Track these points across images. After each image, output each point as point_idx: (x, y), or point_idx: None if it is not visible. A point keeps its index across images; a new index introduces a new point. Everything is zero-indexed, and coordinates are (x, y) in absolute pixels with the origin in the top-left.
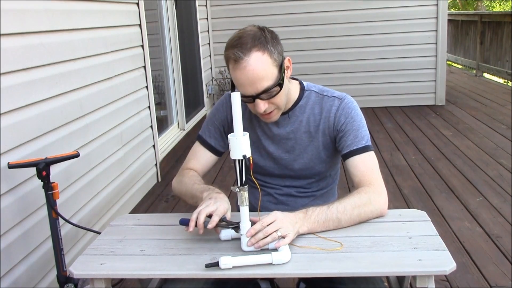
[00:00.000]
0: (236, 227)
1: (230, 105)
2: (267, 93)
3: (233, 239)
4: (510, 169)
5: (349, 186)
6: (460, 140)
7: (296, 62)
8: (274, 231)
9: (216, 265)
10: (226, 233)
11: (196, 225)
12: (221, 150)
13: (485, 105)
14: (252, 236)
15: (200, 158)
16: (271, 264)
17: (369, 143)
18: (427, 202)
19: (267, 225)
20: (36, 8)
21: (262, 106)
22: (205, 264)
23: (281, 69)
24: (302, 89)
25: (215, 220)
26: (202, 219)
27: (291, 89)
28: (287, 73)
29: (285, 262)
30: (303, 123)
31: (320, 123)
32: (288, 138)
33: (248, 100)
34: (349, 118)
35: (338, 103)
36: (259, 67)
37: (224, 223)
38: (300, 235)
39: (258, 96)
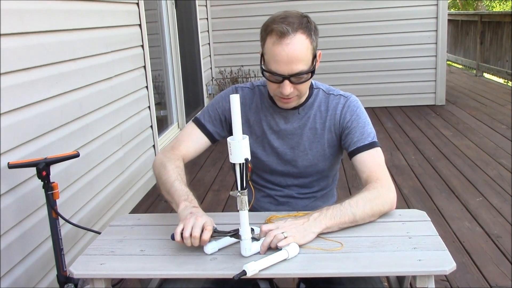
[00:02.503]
0: (234, 234)
1: None
2: (298, 77)
3: (219, 249)
4: (510, 169)
5: (349, 186)
6: (460, 140)
7: None
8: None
9: (244, 274)
10: (213, 246)
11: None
12: (216, 137)
13: (485, 105)
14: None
15: (194, 140)
16: (286, 259)
17: (376, 139)
18: (427, 202)
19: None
20: (36, 8)
21: (288, 88)
22: (234, 276)
23: (314, 58)
24: (311, 87)
25: (209, 231)
26: (207, 235)
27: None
28: (316, 65)
29: (297, 255)
30: (310, 119)
31: (327, 120)
32: (294, 134)
33: (276, 79)
34: (355, 116)
35: (344, 101)
36: (300, 48)
37: (216, 233)
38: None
39: (289, 77)
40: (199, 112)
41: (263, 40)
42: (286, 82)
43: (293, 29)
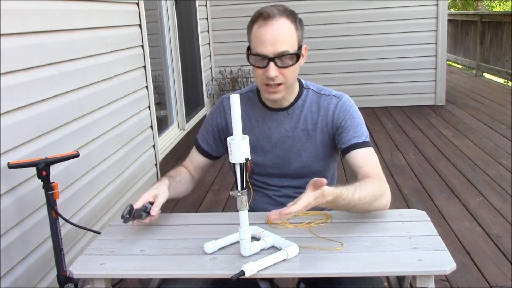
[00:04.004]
0: (142, 211)
1: (224, 110)
2: (283, 60)
3: (220, 249)
4: (510, 169)
5: None
6: (460, 140)
7: None
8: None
9: (242, 274)
10: (213, 245)
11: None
12: (214, 155)
13: (485, 105)
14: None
15: (194, 161)
16: (285, 260)
17: (369, 139)
18: (427, 202)
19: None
20: (36, 8)
21: (273, 71)
22: (232, 276)
23: (300, 48)
24: (301, 87)
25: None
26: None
27: (295, 83)
28: (302, 60)
29: (296, 255)
30: (301, 121)
31: (318, 121)
32: (287, 137)
33: (262, 62)
34: (348, 115)
35: (336, 101)
36: (285, 30)
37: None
38: (301, 236)
39: (274, 58)
40: (200, 129)
41: (249, 30)
42: (271, 64)
43: (278, 13)
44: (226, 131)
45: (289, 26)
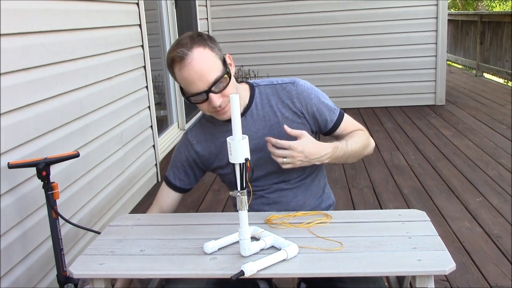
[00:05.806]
0: None
1: (190, 142)
2: (218, 85)
3: (219, 249)
4: (510, 169)
5: (349, 186)
6: (460, 140)
7: (296, 62)
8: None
9: (242, 274)
10: (213, 245)
11: None
12: (187, 188)
13: (485, 105)
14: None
15: (168, 199)
16: (285, 260)
17: (338, 107)
18: (427, 202)
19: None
20: (36, 8)
21: (216, 100)
22: (231, 276)
23: (224, 63)
24: (252, 87)
25: None
26: None
27: (240, 90)
28: (231, 69)
29: (296, 255)
30: (264, 119)
31: (284, 111)
32: (256, 138)
33: (201, 97)
34: (315, 99)
35: (294, 87)
36: (204, 59)
37: None
38: (301, 236)
39: (210, 89)
40: (168, 167)
41: (172, 74)
42: (211, 95)
43: (187, 48)
44: (199, 159)
45: (204, 52)
